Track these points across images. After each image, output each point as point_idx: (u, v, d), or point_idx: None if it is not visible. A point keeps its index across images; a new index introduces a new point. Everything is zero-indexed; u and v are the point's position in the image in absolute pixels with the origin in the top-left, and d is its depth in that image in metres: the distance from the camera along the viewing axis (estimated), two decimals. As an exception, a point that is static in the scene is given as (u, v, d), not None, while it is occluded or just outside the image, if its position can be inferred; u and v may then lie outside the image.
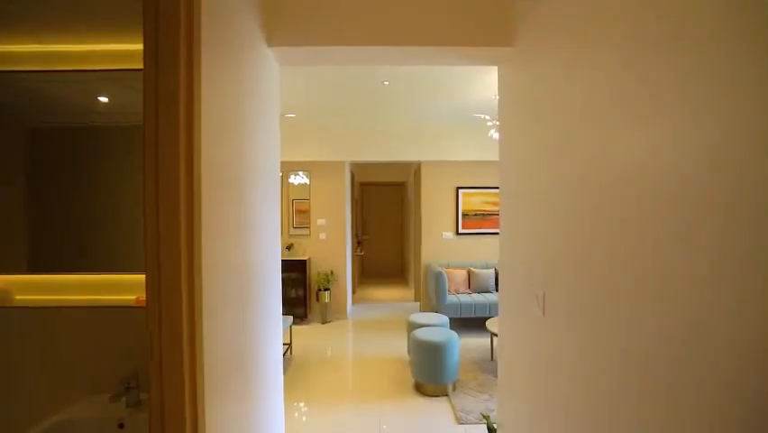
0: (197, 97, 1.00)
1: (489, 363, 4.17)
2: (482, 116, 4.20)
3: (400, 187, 9.09)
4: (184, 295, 0.97)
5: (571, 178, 1.26)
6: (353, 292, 7.26)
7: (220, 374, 1.11)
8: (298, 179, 6.01)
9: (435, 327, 3.97)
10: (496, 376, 3.95)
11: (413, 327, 4.14)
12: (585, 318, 1.17)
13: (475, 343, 4.78)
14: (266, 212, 1.67)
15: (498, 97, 4.15)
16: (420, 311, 6.10)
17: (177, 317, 0.97)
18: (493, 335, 4.07)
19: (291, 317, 4.46)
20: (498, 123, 4.20)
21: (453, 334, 3.63)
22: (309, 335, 5.31)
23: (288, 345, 4.50)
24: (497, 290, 5.63)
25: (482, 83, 3.74)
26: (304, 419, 3.23)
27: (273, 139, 1.82)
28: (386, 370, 4.11)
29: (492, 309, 5.18)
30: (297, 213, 6.02)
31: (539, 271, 1.52)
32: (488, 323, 4.23)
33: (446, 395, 3.49)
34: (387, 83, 3.80)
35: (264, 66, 1.67)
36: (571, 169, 1.26)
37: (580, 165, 1.20)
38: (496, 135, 3.97)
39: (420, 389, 3.56)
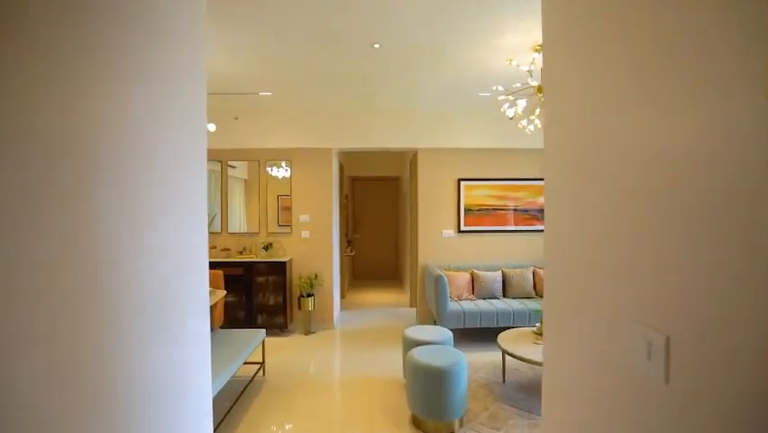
0: None
1: (501, 388, 3.47)
2: (494, 88, 3.49)
3: (395, 181, 8.39)
4: None
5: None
6: (342, 297, 6.55)
7: None
8: (282, 171, 5.28)
9: (436, 344, 3.25)
10: (511, 405, 3.21)
11: (409, 344, 3.40)
12: None
13: (483, 360, 4.07)
14: (166, 196, 0.97)
15: (513, 64, 3.32)
16: (418, 322, 5.39)
17: None
18: (505, 352, 3.38)
19: (264, 331, 3.73)
20: (511, 97, 3.51)
21: (459, 354, 2.92)
22: (289, 349, 4.59)
23: (261, 365, 3.78)
24: (504, 296, 4.95)
25: (495, 46, 3.04)
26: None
27: (186, 102, 1.12)
28: (378, 395, 3.41)
29: (501, 319, 4.48)
30: (283, 210, 5.31)
31: (646, 296, 0.82)
32: (500, 338, 3.53)
33: (452, 432, 2.80)
34: (377, 46, 3.09)
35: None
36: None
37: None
38: (510, 112, 3.26)
39: (420, 426, 2.85)
